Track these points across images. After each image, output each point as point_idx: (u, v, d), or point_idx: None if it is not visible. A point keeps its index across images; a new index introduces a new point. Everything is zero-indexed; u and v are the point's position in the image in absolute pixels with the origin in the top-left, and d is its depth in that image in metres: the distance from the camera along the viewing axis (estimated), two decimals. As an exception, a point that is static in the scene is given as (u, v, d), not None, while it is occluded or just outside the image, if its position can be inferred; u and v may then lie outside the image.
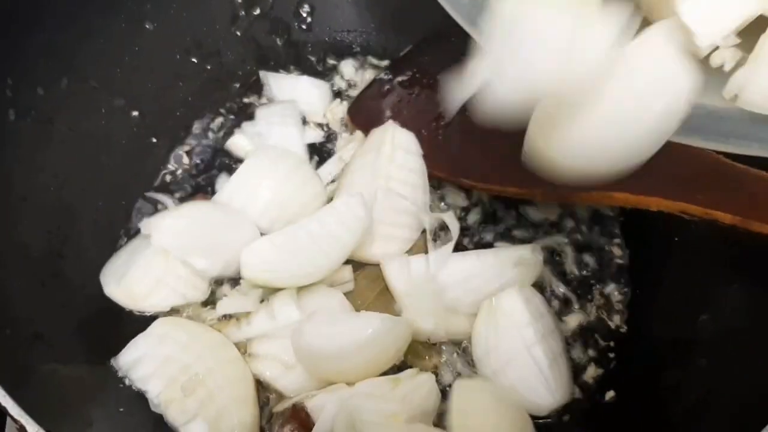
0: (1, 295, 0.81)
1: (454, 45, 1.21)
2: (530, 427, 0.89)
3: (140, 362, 0.85)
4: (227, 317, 0.95)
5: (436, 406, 0.88)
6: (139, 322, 0.91)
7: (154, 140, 1.13)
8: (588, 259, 1.11)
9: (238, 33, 1.22)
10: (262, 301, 0.95)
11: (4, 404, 0.66)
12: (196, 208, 1.00)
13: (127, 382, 0.86)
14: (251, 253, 0.92)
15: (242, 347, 0.92)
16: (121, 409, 0.85)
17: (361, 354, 0.85)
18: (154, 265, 0.92)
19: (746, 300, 0.88)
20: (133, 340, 0.87)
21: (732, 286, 0.91)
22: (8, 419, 0.90)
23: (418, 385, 0.88)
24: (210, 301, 0.98)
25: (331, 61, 1.28)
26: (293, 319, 0.90)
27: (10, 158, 0.90)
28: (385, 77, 1.22)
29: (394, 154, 1.05)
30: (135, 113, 1.10)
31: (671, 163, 0.95)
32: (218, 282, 1.00)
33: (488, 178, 1.03)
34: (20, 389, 0.69)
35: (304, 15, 1.27)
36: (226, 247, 0.96)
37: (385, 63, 1.27)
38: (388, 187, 1.03)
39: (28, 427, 0.65)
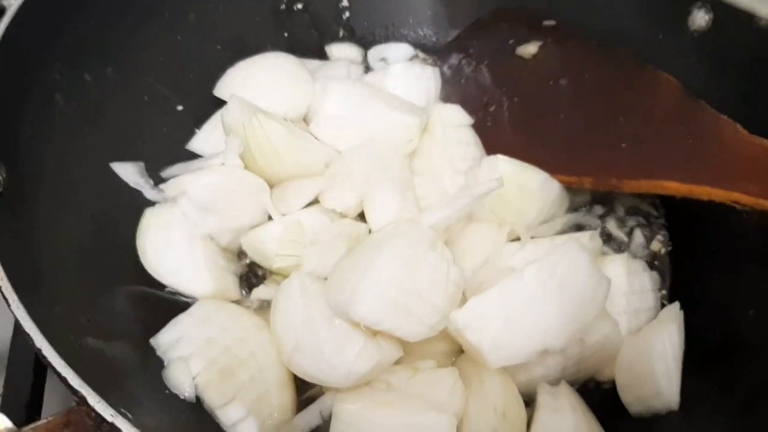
0: (51, 276, 0.82)
1: (501, 31, 1.23)
2: None
3: (180, 342, 0.85)
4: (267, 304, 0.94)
5: (459, 409, 0.84)
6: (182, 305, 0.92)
7: (196, 130, 1.14)
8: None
9: (279, 27, 1.23)
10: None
11: (64, 374, 0.65)
12: (216, 173, 0.98)
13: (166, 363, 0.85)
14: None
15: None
16: (167, 392, 0.84)
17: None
18: (182, 235, 0.92)
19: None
20: (174, 319, 0.86)
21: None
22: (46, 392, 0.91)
23: (439, 379, 0.85)
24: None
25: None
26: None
27: (58, 140, 0.91)
28: (433, 64, 1.22)
29: (446, 131, 1.04)
30: (179, 106, 1.12)
31: (723, 151, 0.94)
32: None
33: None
34: (73, 362, 0.68)
35: (344, 7, 1.28)
36: (237, 218, 0.95)
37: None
38: (454, 169, 1.02)
39: (89, 398, 0.64)
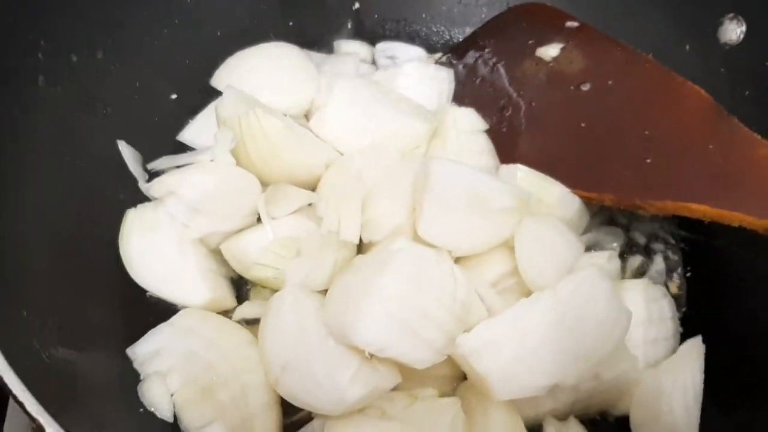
0: (20, 275, 0.74)
1: (520, 30, 1.15)
2: None
3: (158, 355, 0.77)
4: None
5: None
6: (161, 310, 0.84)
7: (190, 121, 1.06)
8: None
9: (285, 15, 1.16)
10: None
11: (21, 399, 0.59)
12: (207, 171, 0.90)
13: (142, 377, 0.78)
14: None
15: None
16: (141, 410, 0.77)
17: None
18: (170, 239, 0.85)
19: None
20: (153, 328, 0.79)
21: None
22: (9, 409, 0.84)
23: (440, 410, 0.78)
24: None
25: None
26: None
27: (40, 125, 0.84)
28: (446, 62, 1.14)
29: (459, 138, 0.97)
30: (173, 94, 1.04)
31: (758, 174, 0.86)
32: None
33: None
34: (35, 380, 0.61)
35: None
36: (228, 219, 0.88)
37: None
38: None
39: (47, 427, 0.58)
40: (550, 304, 0.79)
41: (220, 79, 1.03)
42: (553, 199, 0.94)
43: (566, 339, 0.78)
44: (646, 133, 0.96)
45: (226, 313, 0.87)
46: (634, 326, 0.88)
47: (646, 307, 0.90)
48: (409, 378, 0.81)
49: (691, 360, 0.84)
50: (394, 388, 0.80)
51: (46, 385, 0.62)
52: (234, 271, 0.91)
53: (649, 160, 0.94)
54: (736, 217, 0.84)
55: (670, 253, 1.04)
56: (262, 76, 1.00)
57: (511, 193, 0.87)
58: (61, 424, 0.59)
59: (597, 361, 0.79)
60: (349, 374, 0.75)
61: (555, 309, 0.79)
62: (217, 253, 0.90)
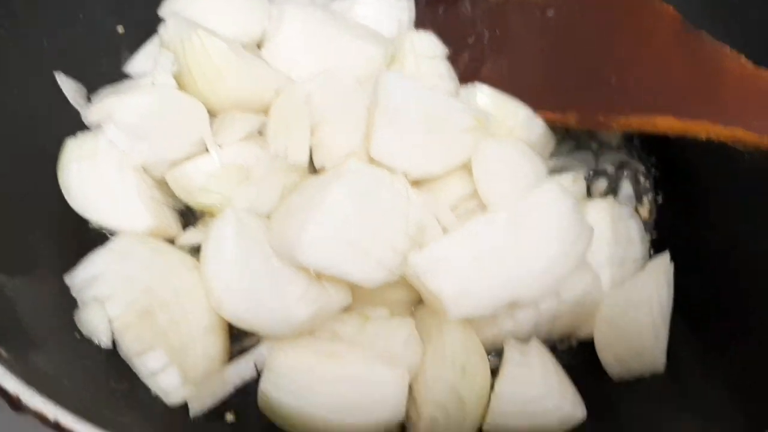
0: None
1: None
2: None
3: (96, 281, 0.73)
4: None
5: (414, 363, 0.74)
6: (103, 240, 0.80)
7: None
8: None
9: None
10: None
11: None
12: (146, 93, 0.85)
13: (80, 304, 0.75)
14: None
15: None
16: (77, 335, 0.74)
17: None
18: (110, 166, 0.81)
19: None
20: (90, 254, 0.75)
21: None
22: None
23: (393, 330, 0.75)
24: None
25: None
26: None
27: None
28: None
29: (418, 62, 0.93)
30: (119, 27, 0.99)
31: (725, 85, 0.82)
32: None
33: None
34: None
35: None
36: (172, 147, 0.84)
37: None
38: None
39: None
40: (508, 219, 0.75)
41: (169, 8, 0.99)
42: (515, 122, 0.90)
43: (524, 255, 0.75)
44: (612, 52, 0.93)
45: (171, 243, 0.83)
46: (599, 246, 0.85)
47: (613, 227, 0.87)
48: (362, 301, 0.78)
49: (657, 276, 0.80)
50: (347, 310, 0.77)
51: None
52: (181, 203, 0.87)
53: (614, 78, 0.90)
54: (703, 128, 0.80)
55: (641, 179, 1.00)
56: (210, 4, 0.96)
57: (468, 112, 0.83)
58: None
59: (556, 278, 0.76)
60: (296, 294, 0.72)
61: (512, 225, 0.75)
62: (163, 185, 0.86)
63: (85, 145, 0.83)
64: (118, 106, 0.82)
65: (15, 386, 0.51)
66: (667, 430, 0.73)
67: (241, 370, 0.74)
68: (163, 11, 0.99)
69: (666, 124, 0.83)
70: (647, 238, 0.93)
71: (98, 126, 0.84)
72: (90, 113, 0.84)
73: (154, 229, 0.80)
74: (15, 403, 0.50)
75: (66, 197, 0.81)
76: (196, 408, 0.72)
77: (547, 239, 0.75)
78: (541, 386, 0.73)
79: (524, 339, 0.80)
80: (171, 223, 0.83)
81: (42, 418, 0.49)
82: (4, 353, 0.55)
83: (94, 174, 0.81)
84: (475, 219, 0.76)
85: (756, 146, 0.77)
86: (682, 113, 0.82)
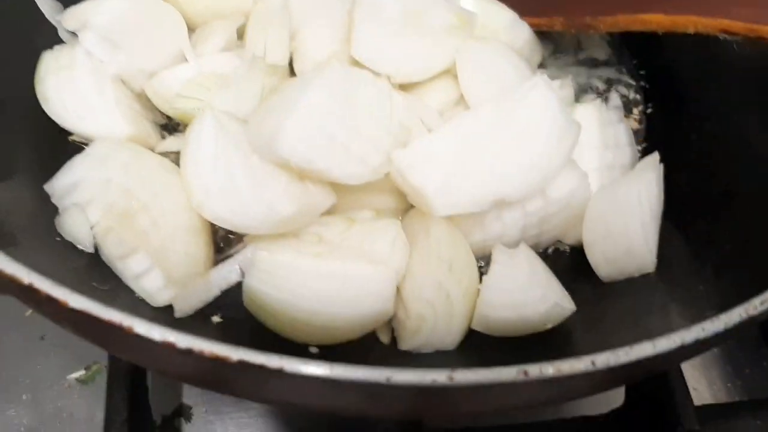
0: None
1: None
2: None
3: (76, 187, 0.72)
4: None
5: (401, 265, 0.72)
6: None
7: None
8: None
9: None
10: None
11: None
12: None
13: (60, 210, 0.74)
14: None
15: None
16: (57, 239, 0.73)
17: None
18: (88, 76, 0.79)
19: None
20: (68, 162, 0.74)
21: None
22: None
23: (379, 231, 0.74)
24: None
25: None
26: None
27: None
28: None
29: None
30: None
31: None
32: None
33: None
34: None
35: None
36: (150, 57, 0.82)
37: None
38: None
39: None
40: (493, 115, 0.74)
41: None
42: (500, 25, 0.88)
43: (509, 150, 0.73)
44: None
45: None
46: (587, 149, 0.84)
47: (601, 130, 0.85)
48: (348, 206, 0.77)
49: (646, 174, 0.79)
50: (331, 213, 0.76)
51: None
52: (162, 116, 0.85)
53: None
54: (691, 22, 0.79)
55: (630, 93, 0.99)
56: None
57: (451, 10, 0.81)
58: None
59: (543, 176, 0.75)
60: (278, 190, 0.70)
61: (497, 120, 0.74)
62: (143, 98, 0.84)
63: (62, 56, 0.81)
64: (95, 12, 0.81)
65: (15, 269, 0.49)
66: (656, 321, 0.72)
67: (226, 273, 0.73)
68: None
69: (653, 20, 0.82)
70: (636, 146, 0.92)
71: (74, 37, 0.82)
72: (65, 20, 0.82)
73: (133, 137, 0.78)
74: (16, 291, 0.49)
75: (44, 108, 0.80)
76: (181, 310, 0.71)
77: (533, 135, 0.74)
78: (527, 280, 0.73)
79: (512, 245, 0.79)
80: (150, 132, 0.82)
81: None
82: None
83: (71, 85, 0.79)
84: (459, 115, 0.74)
85: (743, 35, 0.76)
86: (669, 8, 0.81)
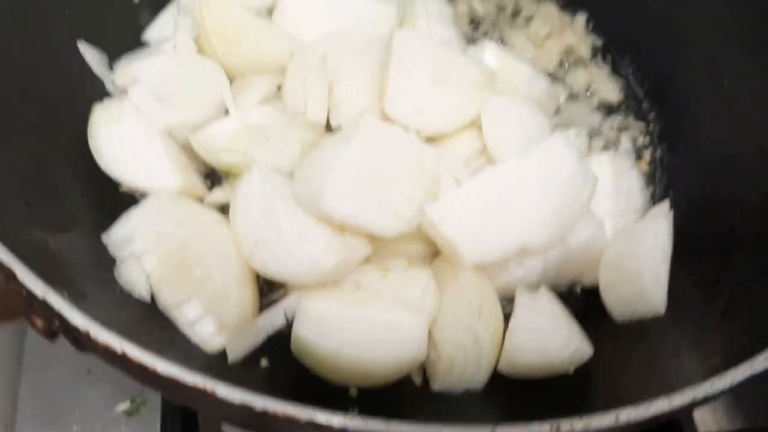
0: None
1: None
2: None
3: (132, 238, 0.78)
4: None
5: (433, 310, 0.78)
6: (135, 201, 0.85)
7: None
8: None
9: None
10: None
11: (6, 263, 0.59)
12: (168, 58, 0.90)
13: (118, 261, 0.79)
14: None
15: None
16: (118, 290, 0.78)
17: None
18: (137, 130, 0.85)
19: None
20: (125, 213, 0.80)
21: None
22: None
23: (412, 279, 0.80)
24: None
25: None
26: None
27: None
28: None
29: (430, 25, 0.97)
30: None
31: None
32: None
33: None
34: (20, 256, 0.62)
35: None
36: (194, 111, 0.88)
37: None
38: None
39: (17, 271, 0.58)
40: (516, 169, 0.80)
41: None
42: (519, 78, 0.94)
43: (532, 202, 0.79)
44: None
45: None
46: (602, 197, 0.90)
47: (614, 179, 0.92)
48: (382, 254, 0.83)
49: (658, 222, 0.85)
50: (368, 262, 0.82)
51: (23, 252, 0.62)
52: (206, 166, 0.91)
53: None
54: None
55: (641, 137, 1.05)
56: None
57: (477, 68, 0.87)
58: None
59: (563, 226, 0.81)
60: (321, 244, 0.76)
61: (520, 174, 0.80)
62: (188, 149, 0.90)
63: (111, 109, 0.87)
64: (142, 70, 0.86)
65: (84, 322, 0.55)
66: (668, 364, 0.78)
67: (272, 319, 0.79)
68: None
69: None
70: (647, 190, 0.98)
71: (123, 91, 0.88)
72: (116, 77, 0.88)
73: (183, 188, 0.84)
74: (84, 339, 0.54)
75: (97, 160, 0.85)
76: (233, 354, 0.77)
77: (554, 188, 0.80)
78: (550, 325, 0.79)
79: (533, 286, 0.85)
80: (198, 183, 0.88)
81: (109, 352, 0.53)
82: (66, 295, 0.59)
83: (121, 138, 0.85)
84: (486, 170, 0.80)
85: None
86: None
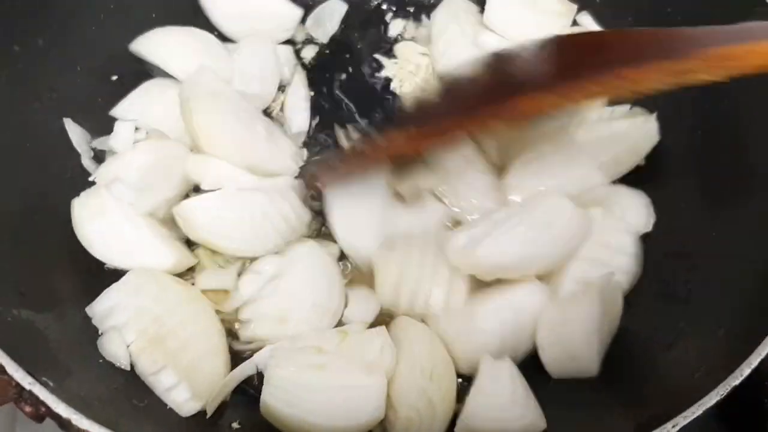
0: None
1: None
2: None
3: (113, 312, 0.86)
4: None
5: (390, 366, 0.86)
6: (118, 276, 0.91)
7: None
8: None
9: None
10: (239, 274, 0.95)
11: None
12: (146, 152, 0.99)
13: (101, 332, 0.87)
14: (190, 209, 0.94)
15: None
16: (101, 360, 0.85)
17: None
18: (121, 217, 0.93)
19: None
20: (106, 289, 0.87)
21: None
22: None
23: (369, 340, 0.88)
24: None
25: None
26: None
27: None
28: None
29: None
30: (114, 75, 1.10)
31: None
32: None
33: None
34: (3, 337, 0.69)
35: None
36: (169, 189, 0.96)
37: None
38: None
39: (7, 367, 0.65)
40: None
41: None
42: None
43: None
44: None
45: (191, 271, 0.97)
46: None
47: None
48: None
49: (591, 293, 0.88)
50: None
51: (12, 342, 0.70)
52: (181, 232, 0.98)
53: None
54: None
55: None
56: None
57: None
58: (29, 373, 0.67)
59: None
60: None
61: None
62: (166, 221, 0.97)
63: (91, 203, 0.93)
64: (122, 167, 0.96)
65: (66, 411, 0.63)
66: (604, 420, 0.83)
67: (244, 370, 0.88)
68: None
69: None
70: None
71: (95, 163, 0.99)
72: (98, 177, 0.97)
73: (177, 263, 0.93)
74: (65, 426, 0.62)
75: (88, 249, 0.92)
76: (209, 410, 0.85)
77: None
78: (509, 398, 0.84)
79: (496, 355, 0.88)
80: (187, 254, 0.96)
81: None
82: (50, 383, 0.66)
83: (108, 227, 0.92)
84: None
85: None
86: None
